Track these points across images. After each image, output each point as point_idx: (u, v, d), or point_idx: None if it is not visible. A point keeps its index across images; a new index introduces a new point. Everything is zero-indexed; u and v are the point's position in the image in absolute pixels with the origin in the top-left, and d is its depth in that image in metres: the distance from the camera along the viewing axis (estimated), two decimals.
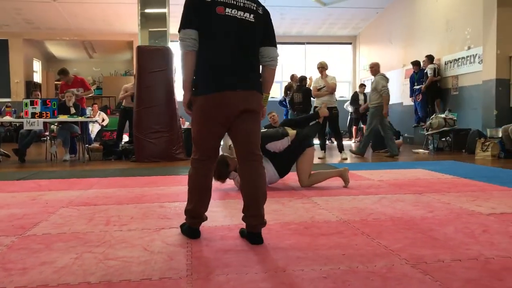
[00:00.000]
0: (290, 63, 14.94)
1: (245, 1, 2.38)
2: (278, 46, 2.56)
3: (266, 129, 4.70)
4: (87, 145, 7.62)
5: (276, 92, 14.38)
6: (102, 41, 15.36)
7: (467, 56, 9.18)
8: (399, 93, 11.96)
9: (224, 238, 2.51)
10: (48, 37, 14.96)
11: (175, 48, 5.73)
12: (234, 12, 2.34)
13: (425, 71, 9.92)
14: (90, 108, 11.93)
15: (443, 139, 8.83)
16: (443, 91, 9.99)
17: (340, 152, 7.46)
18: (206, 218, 2.56)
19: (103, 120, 12.92)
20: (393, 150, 7.59)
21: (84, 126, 7.58)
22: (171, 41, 7.81)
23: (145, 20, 7.72)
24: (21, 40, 14.40)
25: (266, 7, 2.52)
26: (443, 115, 8.69)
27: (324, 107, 6.01)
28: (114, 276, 1.91)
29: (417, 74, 10.26)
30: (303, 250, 2.26)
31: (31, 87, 14.00)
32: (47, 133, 7.87)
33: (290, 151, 4.17)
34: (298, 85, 8.86)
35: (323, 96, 7.44)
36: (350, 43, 15.78)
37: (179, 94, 4.18)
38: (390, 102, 7.89)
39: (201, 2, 2.31)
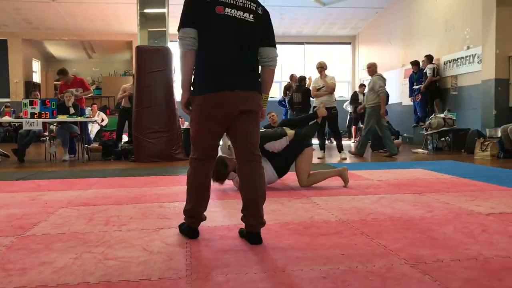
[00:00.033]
0: (290, 63, 14.93)
1: (245, 1, 2.38)
2: (278, 46, 2.55)
3: (264, 129, 4.70)
4: (86, 145, 7.62)
5: (276, 92, 14.38)
6: (101, 41, 15.35)
7: (466, 56, 9.19)
8: (398, 93, 11.96)
9: (223, 238, 2.51)
10: (47, 37, 14.95)
11: (175, 48, 5.74)
12: (234, 12, 2.33)
13: (424, 71, 9.94)
14: (89, 108, 11.92)
15: (442, 139, 8.84)
16: (442, 91, 10.00)
17: (340, 152, 7.46)
18: (205, 218, 2.56)
19: (102, 120, 12.91)
20: (392, 150, 7.60)
21: (84, 126, 7.57)
22: (170, 41, 7.81)
23: (145, 20, 7.72)
24: (20, 40, 14.39)
25: (266, 7, 2.52)
26: (442, 115, 8.69)
27: (323, 107, 6.01)
28: (114, 276, 1.91)
29: (416, 74, 10.27)
30: (302, 250, 2.26)
31: (30, 87, 13.99)
32: (46, 133, 7.85)
33: (289, 151, 4.17)
34: (298, 85, 8.86)
35: (322, 96, 7.43)
36: (350, 43, 15.79)
37: (178, 94, 4.18)
38: (390, 102, 7.90)
39: (201, 1, 2.31)
